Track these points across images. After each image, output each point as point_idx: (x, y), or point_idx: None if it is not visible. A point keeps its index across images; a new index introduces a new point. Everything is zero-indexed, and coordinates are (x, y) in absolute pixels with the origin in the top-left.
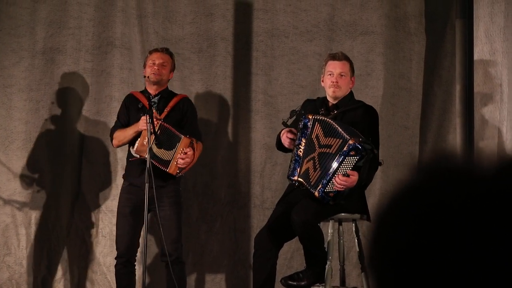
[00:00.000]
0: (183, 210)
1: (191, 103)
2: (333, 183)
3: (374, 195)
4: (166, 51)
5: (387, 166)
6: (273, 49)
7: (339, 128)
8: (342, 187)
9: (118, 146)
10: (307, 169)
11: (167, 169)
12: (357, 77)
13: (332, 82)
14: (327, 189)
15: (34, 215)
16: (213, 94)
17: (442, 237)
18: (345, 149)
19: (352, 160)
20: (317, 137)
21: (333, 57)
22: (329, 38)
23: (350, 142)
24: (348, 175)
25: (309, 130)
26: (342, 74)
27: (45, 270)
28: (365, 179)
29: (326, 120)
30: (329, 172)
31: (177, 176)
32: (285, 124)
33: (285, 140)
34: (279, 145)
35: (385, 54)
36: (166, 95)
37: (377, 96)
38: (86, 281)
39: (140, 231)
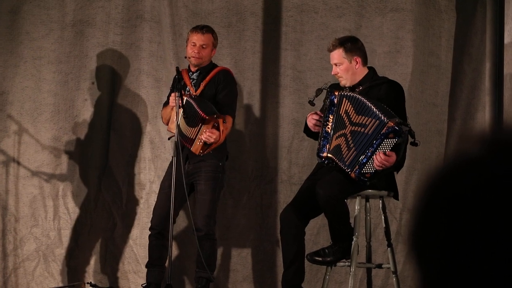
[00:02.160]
0: (220, 186)
1: (227, 75)
2: (370, 163)
3: (401, 172)
4: (207, 30)
5: None
6: (302, 24)
7: (372, 106)
8: (382, 166)
9: (168, 124)
10: (338, 146)
11: (191, 147)
12: (387, 54)
13: (335, 74)
14: (364, 170)
15: (62, 187)
16: (241, 69)
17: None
18: (383, 131)
19: (390, 142)
20: (347, 113)
21: (328, 49)
22: (359, 14)
23: (389, 124)
24: (388, 155)
25: (337, 106)
26: (336, 64)
27: (71, 241)
28: (400, 162)
29: (355, 96)
30: (367, 153)
31: (200, 155)
32: (311, 103)
33: (310, 121)
34: (307, 130)
35: (414, 31)
36: (204, 71)
37: (406, 73)
38: (113, 253)
39: (180, 207)
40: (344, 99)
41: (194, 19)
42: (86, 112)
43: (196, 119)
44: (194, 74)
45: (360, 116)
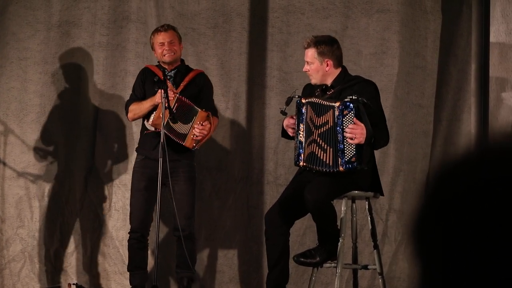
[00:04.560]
0: (195, 185)
1: (208, 78)
2: (347, 147)
3: (387, 173)
4: (169, 27)
5: (401, 144)
6: (288, 25)
7: (324, 102)
8: (354, 135)
9: (133, 120)
10: (312, 153)
11: (183, 142)
12: (373, 55)
13: (306, 71)
14: (346, 156)
15: (48, 188)
16: (228, 70)
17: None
18: (337, 113)
19: (349, 117)
20: (311, 119)
21: (303, 45)
22: (345, 15)
23: (337, 104)
24: (354, 123)
25: (304, 114)
26: (307, 62)
27: (57, 243)
28: (371, 131)
29: (313, 100)
30: (339, 142)
31: (193, 149)
32: (283, 113)
33: (288, 129)
34: (284, 133)
35: (401, 32)
36: (182, 69)
37: (392, 74)
38: (99, 254)
39: (154, 206)
40: (308, 105)
41: (180, 20)
42: (72, 113)
43: (189, 114)
44: (172, 72)
45: (320, 117)
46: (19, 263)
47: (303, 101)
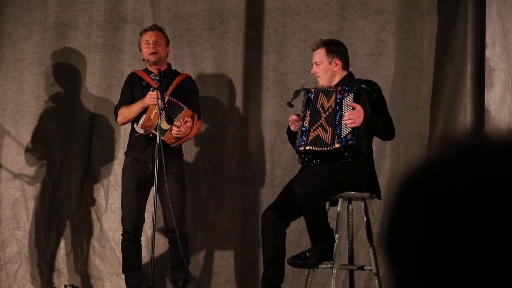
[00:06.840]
0: (185, 186)
1: (194, 83)
2: (345, 125)
3: (384, 174)
4: (155, 27)
5: (397, 145)
6: (284, 26)
7: (331, 88)
8: (353, 121)
9: (123, 123)
10: (317, 136)
11: (162, 136)
12: (369, 56)
13: (314, 72)
14: (343, 133)
15: (44, 189)
16: (224, 71)
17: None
18: (338, 96)
19: (348, 99)
20: (322, 105)
21: (312, 47)
22: (341, 16)
23: (338, 89)
24: (352, 109)
25: (313, 102)
26: (316, 62)
27: (54, 244)
28: (369, 111)
29: (327, 89)
30: (337, 122)
31: (171, 145)
32: (289, 104)
33: (290, 119)
34: (290, 133)
35: (397, 33)
36: (169, 73)
37: (388, 75)
38: (95, 256)
39: (145, 206)
40: (320, 93)
41: (176, 21)
42: (68, 115)
43: (175, 112)
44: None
45: (329, 102)
46: (15, 265)
47: (313, 90)
